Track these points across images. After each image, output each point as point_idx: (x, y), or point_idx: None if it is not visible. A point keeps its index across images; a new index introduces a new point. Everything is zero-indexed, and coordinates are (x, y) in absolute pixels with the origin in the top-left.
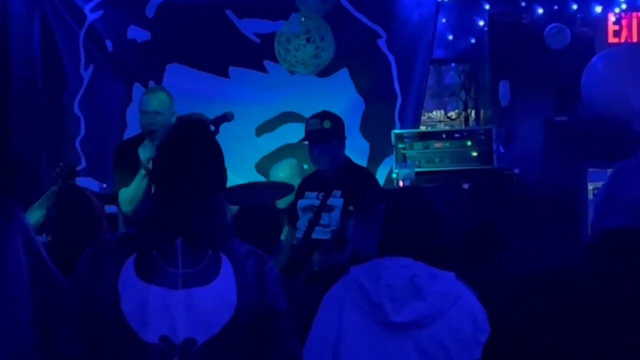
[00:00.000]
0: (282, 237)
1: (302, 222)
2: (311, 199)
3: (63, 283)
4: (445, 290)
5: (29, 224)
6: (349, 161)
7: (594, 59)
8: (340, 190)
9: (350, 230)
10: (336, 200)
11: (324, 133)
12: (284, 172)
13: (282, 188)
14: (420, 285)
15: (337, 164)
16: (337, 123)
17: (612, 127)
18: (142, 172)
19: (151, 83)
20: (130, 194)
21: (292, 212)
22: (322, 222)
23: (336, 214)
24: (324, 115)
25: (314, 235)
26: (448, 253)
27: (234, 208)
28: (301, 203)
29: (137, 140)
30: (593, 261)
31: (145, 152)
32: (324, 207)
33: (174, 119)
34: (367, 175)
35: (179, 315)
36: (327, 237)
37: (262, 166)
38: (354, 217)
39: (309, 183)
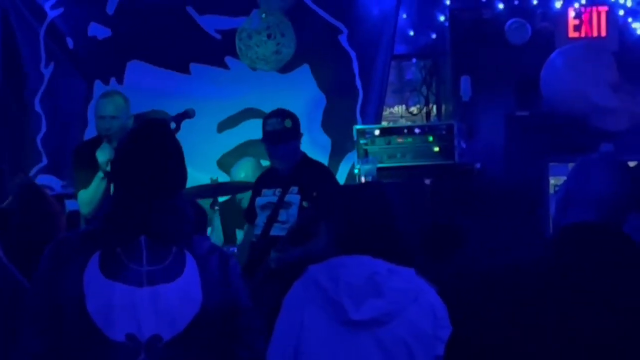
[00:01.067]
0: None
1: (261, 219)
2: (268, 196)
3: (22, 282)
4: (405, 287)
5: None
6: (304, 156)
7: (552, 55)
8: (297, 187)
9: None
10: (293, 196)
11: (286, 133)
12: (245, 171)
13: (245, 187)
14: (380, 282)
15: (294, 161)
16: (296, 121)
17: (573, 121)
18: (100, 174)
19: (112, 80)
20: (89, 195)
21: (250, 210)
22: (280, 218)
23: (294, 210)
24: (283, 113)
25: (273, 232)
26: (407, 249)
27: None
28: (259, 201)
29: (96, 142)
30: (555, 256)
31: (103, 155)
32: (281, 204)
33: (130, 122)
34: (323, 170)
35: (145, 312)
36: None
37: (224, 162)
38: (311, 211)
39: (265, 180)
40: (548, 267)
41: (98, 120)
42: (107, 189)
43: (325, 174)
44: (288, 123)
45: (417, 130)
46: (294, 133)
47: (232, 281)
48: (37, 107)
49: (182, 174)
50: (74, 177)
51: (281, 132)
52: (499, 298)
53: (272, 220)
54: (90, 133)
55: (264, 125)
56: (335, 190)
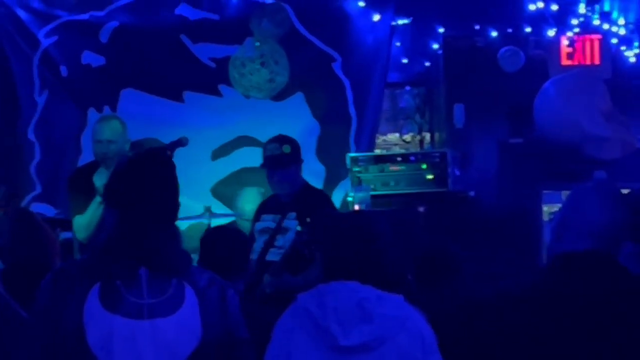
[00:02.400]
0: None
1: (258, 244)
2: (267, 221)
3: (18, 312)
4: (394, 313)
5: None
6: (306, 184)
7: (546, 84)
8: (295, 213)
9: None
10: (291, 222)
11: (284, 158)
12: (252, 203)
13: None
14: (368, 308)
15: (295, 188)
16: (296, 147)
17: (566, 149)
18: (98, 199)
19: (106, 108)
20: (85, 220)
21: (249, 236)
22: (276, 243)
23: (290, 236)
24: (283, 139)
25: (268, 257)
26: (397, 276)
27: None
28: (258, 225)
29: (92, 167)
30: (548, 284)
31: (101, 179)
32: (279, 230)
33: (127, 146)
34: (323, 198)
35: (145, 345)
36: None
37: (218, 191)
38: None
39: (266, 206)
40: (541, 295)
41: (95, 145)
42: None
43: (325, 201)
44: (287, 149)
45: (410, 158)
46: (293, 158)
47: (231, 313)
48: (31, 135)
49: (178, 203)
50: (69, 202)
51: (280, 157)
52: (491, 325)
53: (268, 245)
54: (84, 161)
55: (264, 150)
56: (326, 217)
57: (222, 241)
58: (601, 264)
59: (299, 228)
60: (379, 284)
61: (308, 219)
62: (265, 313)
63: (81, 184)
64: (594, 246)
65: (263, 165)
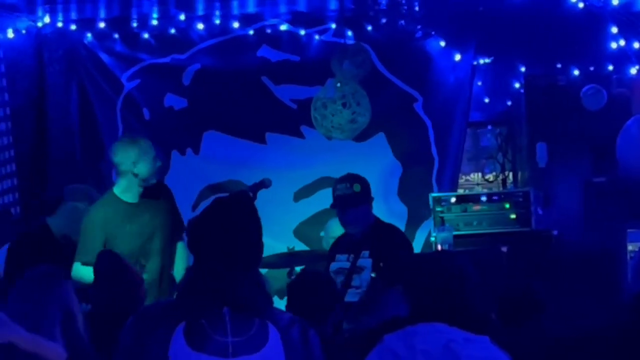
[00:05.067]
0: None
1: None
2: (342, 261)
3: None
4: (481, 355)
5: (73, 296)
6: (377, 220)
7: (628, 122)
8: (368, 251)
9: (378, 292)
10: (365, 260)
11: (355, 197)
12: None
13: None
14: (456, 350)
15: (366, 225)
16: (366, 185)
17: None
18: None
19: (189, 150)
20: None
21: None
22: (353, 283)
23: (366, 275)
24: (352, 178)
25: (347, 298)
26: (482, 317)
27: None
28: (333, 266)
29: None
30: (631, 323)
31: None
32: (354, 269)
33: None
34: (394, 233)
35: None
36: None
37: (301, 231)
38: (381, 279)
39: (339, 245)
40: (625, 334)
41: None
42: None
43: (397, 236)
44: (357, 187)
45: (493, 198)
46: (364, 197)
47: (313, 352)
48: (114, 178)
49: (261, 246)
50: None
51: (350, 196)
52: None
53: (345, 286)
54: None
55: (334, 190)
56: (409, 258)
57: (310, 286)
58: None
59: (373, 275)
60: (464, 325)
61: (381, 264)
62: (348, 355)
63: None
64: None
65: (333, 205)
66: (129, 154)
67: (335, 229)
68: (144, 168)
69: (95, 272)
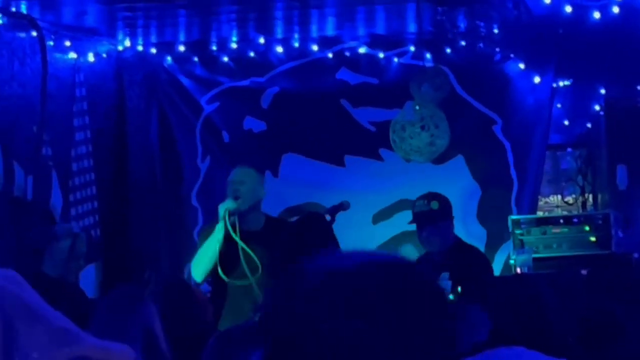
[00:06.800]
0: None
1: None
2: None
3: None
4: None
5: (155, 316)
6: (458, 241)
7: None
8: (448, 272)
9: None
10: (445, 282)
11: (432, 214)
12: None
13: None
14: None
15: (446, 245)
16: (445, 203)
17: None
18: (220, 225)
19: (267, 173)
20: (204, 248)
21: None
22: None
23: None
24: (431, 196)
25: None
26: (561, 340)
27: None
28: None
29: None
30: None
31: (223, 205)
32: None
33: (262, 193)
34: (475, 256)
35: None
36: None
37: None
38: (460, 302)
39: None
40: None
41: (228, 186)
42: (224, 242)
43: (477, 258)
44: (435, 205)
45: (573, 220)
46: (442, 215)
47: None
48: (194, 201)
49: None
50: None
51: (427, 213)
52: None
53: None
54: None
55: (413, 207)
56: (488, 281)
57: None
58: None
59: (452, 297)
60: (544, 348)
61: (460, 288)
62: None
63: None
64: None
65: (412, 222)
66: None
67: (409, 253)
68: None
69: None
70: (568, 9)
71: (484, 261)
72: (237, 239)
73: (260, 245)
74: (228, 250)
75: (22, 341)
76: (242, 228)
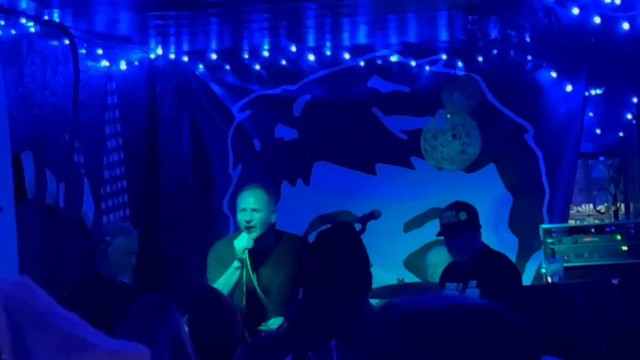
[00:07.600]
0: None
1: None
2: (451, 290)
3: None
4: None
5: (182, 324)
6: (485, 249)
7: None
8: (476, 281)
9: None
10: (473, 290)
11: (461, 225)
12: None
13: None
14: None
15: (474, 254)
16: (473, 213)
17: None
18: (236, 263)
19: (299, 181)
20: (221, 284)
21: None
22: None
23: None
24: (459, 206)
25: None
26: (593, 350)
27: None
28: None
29: (231, 239)
30: None
31: (240, 243)
32: None
33: (274, 217)
34: (504, 263)
35: None
36: None
37: (411, 263)
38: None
39: (448, 274)
40: None
41: (239, 213)
42: (240, 278)
43: (505, 266)
44: (463, 216)
45: (605, 229)
46: (470, 225)
47: None
48: (225, 209)
49: (368, 277)
50: (208, 272)
51: (456, 224)
52: None
53: None
54: None
55: (440, 218)
56: (518, 289)
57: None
58: None
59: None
60: (575, 358)
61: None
62: None
63: (221, 255)
64: None
65: (440, 234)
66: None
67: (435, 257)
68: None
69: (192, 307)
70: (597, 19)
71: (512, 268)
72: (255, 284)
73: (273, 265)
74: (249, 300)
75: (32, 351)
76: (253, 251)
